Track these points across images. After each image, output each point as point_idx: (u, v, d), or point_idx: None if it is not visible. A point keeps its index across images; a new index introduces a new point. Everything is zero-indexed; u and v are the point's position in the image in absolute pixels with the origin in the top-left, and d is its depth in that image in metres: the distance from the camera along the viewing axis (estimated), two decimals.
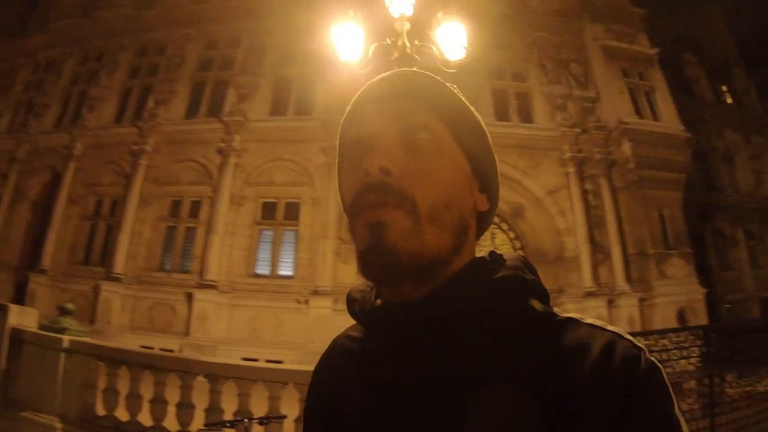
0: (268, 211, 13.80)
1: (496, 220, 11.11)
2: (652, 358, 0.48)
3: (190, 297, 12.46)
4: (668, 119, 15.92)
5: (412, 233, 0.54)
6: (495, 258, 0.59)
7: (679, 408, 0.48)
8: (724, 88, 21.87)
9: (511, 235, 15.37)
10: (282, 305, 12.50)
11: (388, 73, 0.64)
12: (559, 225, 15.46)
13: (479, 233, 0.65)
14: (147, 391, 4.57)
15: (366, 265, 0.56)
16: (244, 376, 4.33)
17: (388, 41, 5.03)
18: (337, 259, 13.06)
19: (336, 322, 11.85)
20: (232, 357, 10.82)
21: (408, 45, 4.99)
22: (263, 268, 13.35)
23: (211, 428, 3.28)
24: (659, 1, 17.25)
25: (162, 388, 4.53)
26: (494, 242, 14.00)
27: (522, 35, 13.32)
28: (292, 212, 13.81)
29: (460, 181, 0.60)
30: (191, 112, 14.81)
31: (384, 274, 0.56)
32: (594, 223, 14.96)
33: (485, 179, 0.64)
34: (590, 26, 16.52)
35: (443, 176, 0.58)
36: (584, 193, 15.20)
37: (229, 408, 4.26)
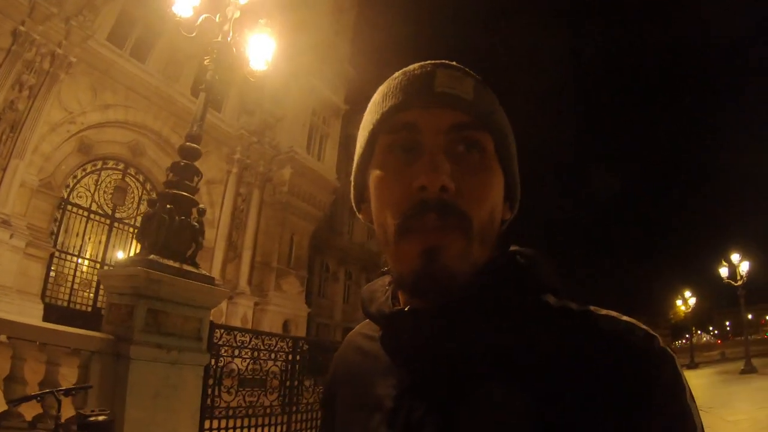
0: None
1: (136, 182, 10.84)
2: (666, 347, 0.49)
3: None
4: (328, 164, 18.70)
5: (465, 254, 0.53)
6: (510, 255, 0.59)
7: (691, 395, 0.48)
8: None
9: None
10: None
11: (437, 63, 0.60)
12: (206, 215, 15.53)
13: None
14: None
15: (417, 290, 0.55)
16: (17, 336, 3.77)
17: (217, 19, 5.11)
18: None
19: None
20: None
21: (231, 33, 5.13)
22: None
23: (14, 403, 3.21)
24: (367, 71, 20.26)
25: None
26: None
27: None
28: None
29: (500, 194, 0.59)
30: None
31: (436, 296, 0.54)
32: (235, 225, 15.74)
33: (511, 189, 0.63)
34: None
35: (491, 193, 0.57)
36: (237, 194, 15.93)
37: None
